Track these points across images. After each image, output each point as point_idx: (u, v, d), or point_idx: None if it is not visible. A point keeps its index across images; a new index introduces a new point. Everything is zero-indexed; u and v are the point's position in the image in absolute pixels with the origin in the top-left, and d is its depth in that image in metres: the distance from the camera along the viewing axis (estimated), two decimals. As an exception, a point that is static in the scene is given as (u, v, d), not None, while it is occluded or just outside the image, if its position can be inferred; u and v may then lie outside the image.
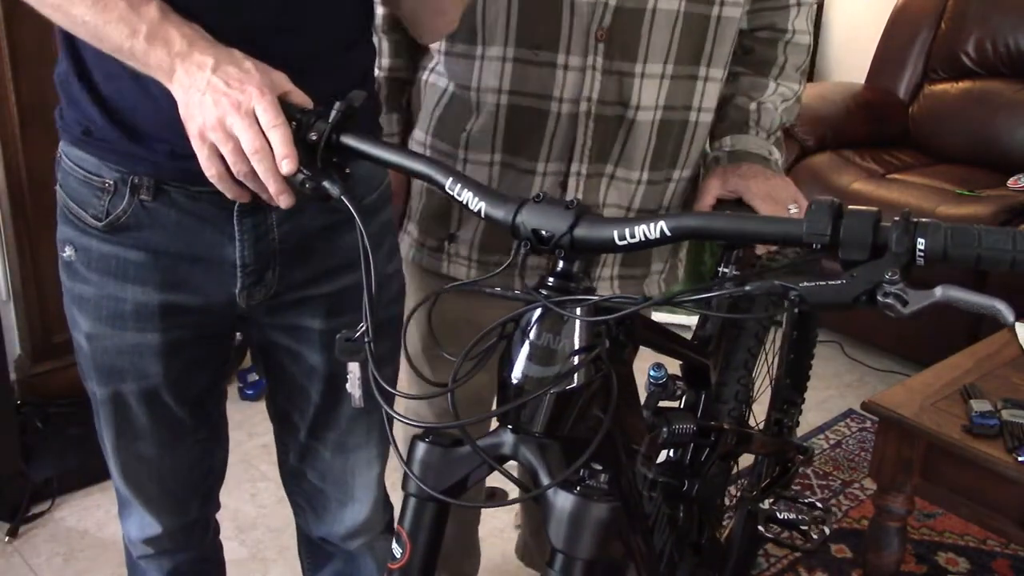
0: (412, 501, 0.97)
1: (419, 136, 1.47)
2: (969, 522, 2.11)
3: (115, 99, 1.04)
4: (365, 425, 1.30)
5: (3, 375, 2.17)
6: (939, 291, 0.74)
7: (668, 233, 0.84)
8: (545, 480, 0.92)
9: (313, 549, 1.45)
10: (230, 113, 0.87)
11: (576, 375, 0.89)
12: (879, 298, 0.75)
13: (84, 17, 0.91)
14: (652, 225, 0.84)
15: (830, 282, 0.77)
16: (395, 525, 0.99)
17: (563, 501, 0.91)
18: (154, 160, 1.04)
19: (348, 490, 1.34)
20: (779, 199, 1.39)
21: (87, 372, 1.20)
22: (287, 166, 0.88)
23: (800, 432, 2.35)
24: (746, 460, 1.88)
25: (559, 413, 0.91)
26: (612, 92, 1.34)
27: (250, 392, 2.72)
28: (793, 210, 1.37)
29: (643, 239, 0.85)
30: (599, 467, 0.94)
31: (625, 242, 0.86)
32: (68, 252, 1.13)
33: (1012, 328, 2.04)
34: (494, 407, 0.93)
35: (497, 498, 1.99)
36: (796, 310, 1.83)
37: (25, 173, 2.33)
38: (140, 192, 1.07)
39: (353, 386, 0.96)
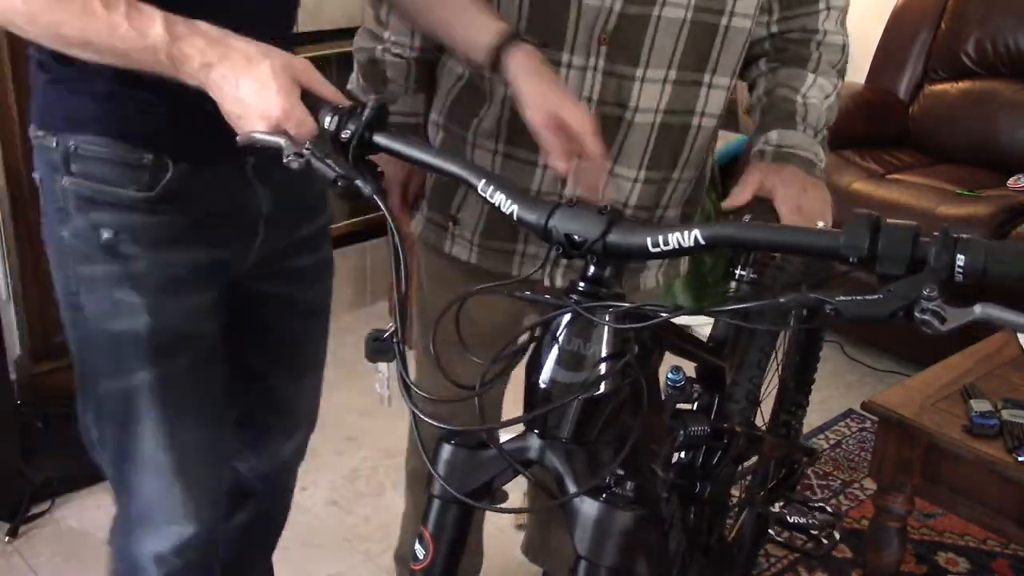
0: (436, 503, 0.97)
1: (434, 117, 1.49)
2: (969, 522, 2.11)
3: (131, 84, 1.07)
4: (318, 347, 1.42)
5: (3, 375, 2.17)
6: (978, 309, 0.74)
7: (702, 242, 0.84)
8: (571, 486, 0.92)
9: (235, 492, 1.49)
10: (273, 125, 0.94)
11: (605, 382, 0.89)
12: (916, 314, 0.74)
13: (112, 54, 0.97)
14: (686, 233, 0.84)
15: (867, 297, 0.76)
16: (420, 526, 0.99)
17: (589, 508, 0.91)
18: (176, 137, 1.11)
19: (295, 417, 1.46)
20: (808, 213, 1.37)
21: (137, 355, 1.17)
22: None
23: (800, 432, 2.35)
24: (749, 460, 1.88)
25: (587, 419, 0.91)
26: (611, 93, 1.34)
27: (250, 392, 2.73)
28: (820, 226, 1.36)
29: (677, 247, 0.85)
30: (624, 474, 0.93)
31: (658, 249, 0.85)
32: (107, 235, 1.13)
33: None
34: (518, 409, 0.93)
35: (498, 499, 1.99)
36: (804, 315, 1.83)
37: (26, 173, 2.33)
38: (177, 163, 1.12)
39: (383, 386, 0.96)
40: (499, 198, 0.91)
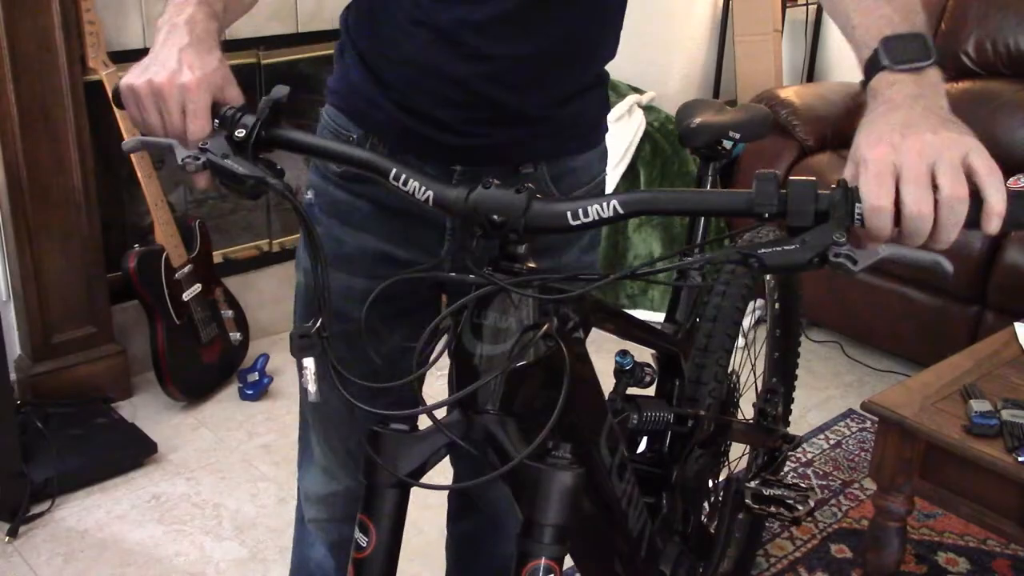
0: (375, 489, 0.99)
1: None
2: (969, 522, 2.11)
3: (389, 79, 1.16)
4: None
5: (3, 375, 2.17)
6: (883, 248, 0.81)
7: (621, 211, 0.88)
8: (513, 452, 0.95)
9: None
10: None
11: (528, 351, 0.93)
12: (831, 258, 0.80)
13: None
14: (604, 204, 0.88)
15: (785, 247, 0.82)
16: (358, 515, 1.00)
17: (533, 473, 0.94)
18: (388, 128, 1.18)
19: None
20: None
21: (299, 312, 1.32)
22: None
23: (800, 432, 2.35)
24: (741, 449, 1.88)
25: (513, 389, 0.94)
26: None
27: (250, 392, 2.71)
28: None
29: (597, 217, 0.89)
30: (561, 440, 0.97)
31: (579, 221, 0.89)
32: (309, 195, 1.23)
33: (1012, 328, 2.04)
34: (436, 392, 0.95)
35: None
36: (777, 290, 1.85)
37: (25, 172, 2.33)
38: (377, 150, 1.16)
39: (308, 381, 0.96)
40: (413, 185, 0.93)
